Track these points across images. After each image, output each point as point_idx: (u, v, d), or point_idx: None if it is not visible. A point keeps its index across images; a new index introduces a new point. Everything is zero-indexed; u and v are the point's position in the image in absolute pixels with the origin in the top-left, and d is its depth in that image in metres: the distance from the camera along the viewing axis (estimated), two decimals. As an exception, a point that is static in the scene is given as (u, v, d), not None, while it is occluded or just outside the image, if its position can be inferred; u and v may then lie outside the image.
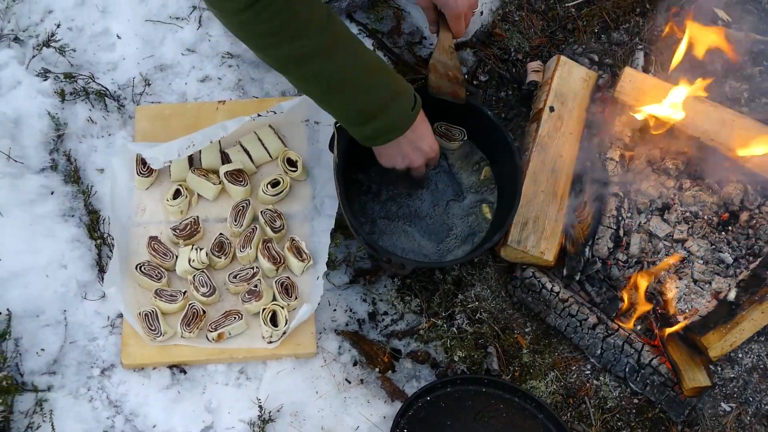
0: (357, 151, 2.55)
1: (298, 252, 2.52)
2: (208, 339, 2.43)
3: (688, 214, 2.69)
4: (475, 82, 2.94)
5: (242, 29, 2.08)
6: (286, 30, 2.03)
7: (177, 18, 2.90)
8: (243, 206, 2.56)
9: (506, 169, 2.60)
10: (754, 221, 2.67)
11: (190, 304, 2.43)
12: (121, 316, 2.47)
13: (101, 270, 2.53)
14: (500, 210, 2.61)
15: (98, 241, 2.56)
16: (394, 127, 2.31)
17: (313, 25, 2.06)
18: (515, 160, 2.54)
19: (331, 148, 2.44)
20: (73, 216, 2.58)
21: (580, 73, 2.84)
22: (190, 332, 2.41)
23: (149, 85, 2.80)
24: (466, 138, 2.67)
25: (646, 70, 2.87)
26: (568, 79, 2.81)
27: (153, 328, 2.40)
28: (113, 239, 2.51)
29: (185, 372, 2.46)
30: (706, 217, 2.68)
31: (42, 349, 2.42)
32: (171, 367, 2.46)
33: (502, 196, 2.63)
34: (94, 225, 2.57)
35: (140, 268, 2.47)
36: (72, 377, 2.42)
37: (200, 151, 2.61)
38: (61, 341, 2.44)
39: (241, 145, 2.66)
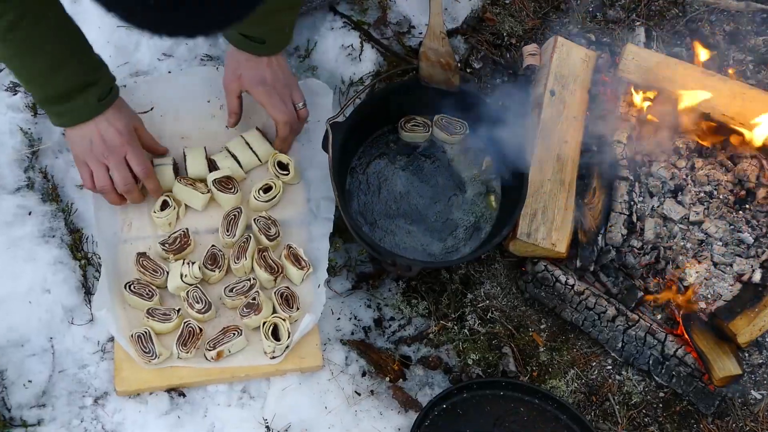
0: (352, 149, 2.53)
1: (296, 260, 2.42)
2: (207, 358, 2.32)
3: (702, 194, 2.61)
4: (468, 70, 2.86)
5: None
6: None
7: (151, 22, 2.77)
8: (234, 215, 2.46)
9: (509, 160, 2.49)
10: (774, 197, 2.59)
11: (185, 323, 2.32)
12: (112, 340, 2.35)
13: (87, 292, 2.42)
14: (506, 203, 2.53)
15: (82, 262, 2.45)
16: (75, 114, 2.27)
17: None
18: (520, 148, 2.44)
19: (324, 148, 2.36)
20: (53, 236, 2.46)
21: (579, 54, 2.76)
22: (187, 352, 2.30)
23: (126, 93, 2.68)
24: (468, 131, 2.59)
25: (648, 46, 2.81)
26: (568, 61, 2.74)
27: (147, 350, 2.28)
28: (99, 258, 2.41)
29: (184, 395, 2.34)
30: (721, 197, 2.60)
31: (29, 381, 2.30)
32: (169, 390, 2.34)
33: (507, 188, 2.55)
34: (77, 245, 2.46)
35: (129, 287, 2.35)
36: (63, 408, 2.29)
37: (186, 159, 2.52)
38: (50, 371, 2.32)
39: (228, 151, 2.55)
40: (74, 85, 2.20)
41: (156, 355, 2.27)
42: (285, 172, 2.53)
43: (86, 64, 2.23)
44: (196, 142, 2.56)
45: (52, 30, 2.11)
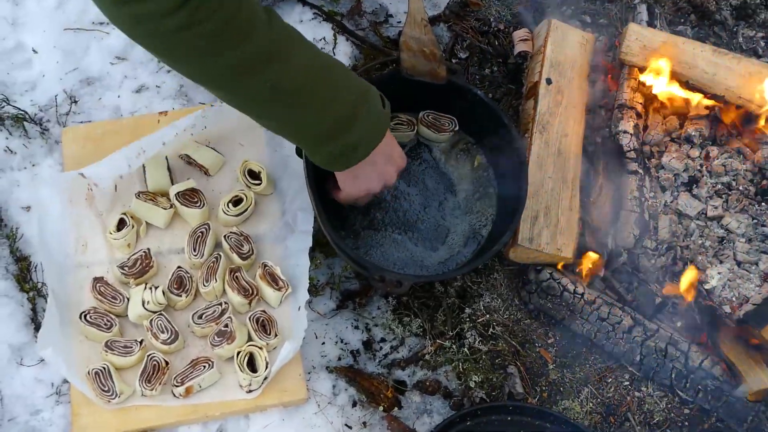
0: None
1: (272, 279, 2.28)
2: (175, 395, 2.19)
3: (720, 186, 2.45)
4: (454, 60, 2.73)
5: (171, 39, 1.68)
6: (231, 30, 1.68)
7: (101, 23, 2.68)
8: (202, 232, 2.33)
9: (505, 157, 2.37)
10: (799, 186, 2.44)
11: (148, 355, 2.18)
12: (68, 381, 2.20)
13: (38, 328, 2.28)
14: (504, 206, 2.38)
15: (31, 294, 2.32)
16: (373, 134, 2.00)
17: (258, 22, 1.71)
18: (516, 144, 2.31)
19: (299, 153, 2.21)
20: (-4, 266, 2.34)
21: (575, 37, 2.62)
22: (152, 389, 2.15)
23: (75, 102, 2.57)
24: (457, 128, 2.45)
25: (650, 24, 2.66)
26: (563, 45, 2.59)
27: (106, 388, 2.14)
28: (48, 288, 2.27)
29: (152, 440, 2.20)
30: (741, 188, 2.45)
31: (-26, 433, 2.17)
32: (134, 435, 2.20)
33: (504, 190, 2.40)
34: (24, 275, 2.34)
35: (85, 316, 2.22)
36: (15, 463, 2.16)
37: (145, 171, 2.39)
38: (-3, 420, 2.18)
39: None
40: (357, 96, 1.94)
41: (116, 394, 2.15)
42: (257, 182, 2.41)
43: (350, 72, 1.99)
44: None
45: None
